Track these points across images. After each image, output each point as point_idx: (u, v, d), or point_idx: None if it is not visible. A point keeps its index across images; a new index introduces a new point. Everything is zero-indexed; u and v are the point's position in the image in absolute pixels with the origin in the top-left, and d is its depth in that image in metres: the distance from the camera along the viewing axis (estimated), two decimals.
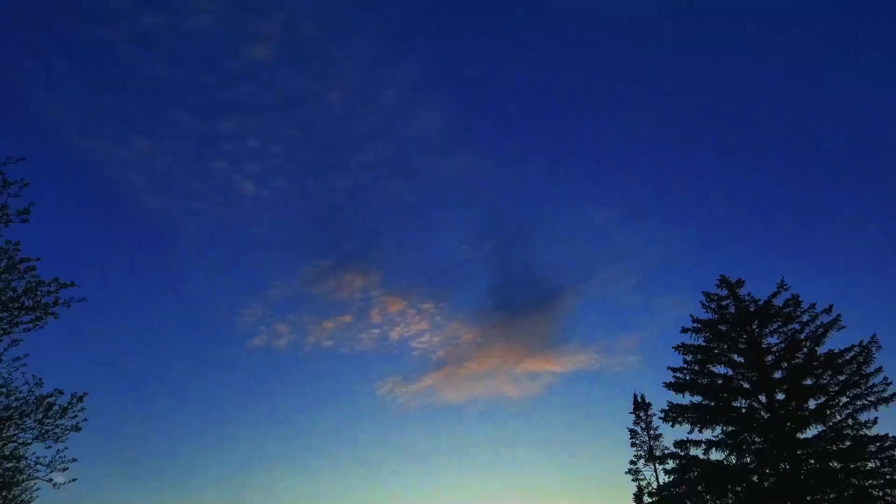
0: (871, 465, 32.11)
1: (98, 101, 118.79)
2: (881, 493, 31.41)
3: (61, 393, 20.89)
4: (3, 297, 20.46)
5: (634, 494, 46.43)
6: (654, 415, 45.56)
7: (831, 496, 32.42)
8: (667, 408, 35.82)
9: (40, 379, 20.66)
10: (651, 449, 45.45)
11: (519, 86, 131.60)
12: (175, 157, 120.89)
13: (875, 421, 32.28)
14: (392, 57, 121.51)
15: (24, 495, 21.90)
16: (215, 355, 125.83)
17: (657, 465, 44.09)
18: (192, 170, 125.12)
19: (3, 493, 21.23)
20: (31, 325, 20.54)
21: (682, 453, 35.23)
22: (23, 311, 20.58)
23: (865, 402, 32.60)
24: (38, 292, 20.59)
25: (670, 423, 35.49)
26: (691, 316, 37.12)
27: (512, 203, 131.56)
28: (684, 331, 36.85)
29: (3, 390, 20.37)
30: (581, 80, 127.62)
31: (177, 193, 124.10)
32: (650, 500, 44.37)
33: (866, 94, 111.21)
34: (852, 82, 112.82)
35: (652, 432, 46.37)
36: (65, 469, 20.84)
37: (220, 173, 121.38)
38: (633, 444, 46.75)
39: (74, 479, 21.47)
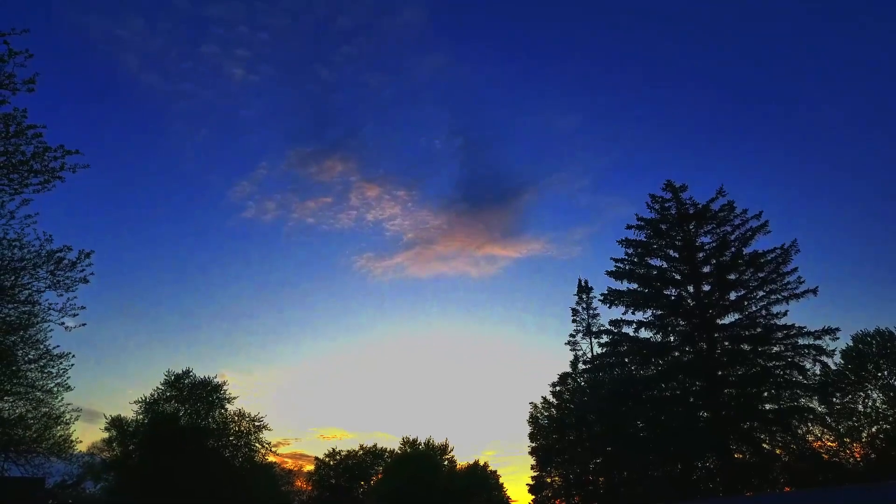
0: (776, 348, 37.18)
1: None
2: (781, 373, 36.55)
3: (70, 249, 23.38)
4: (13, 160, 22.18)
5: (571, 362, 52.04)
6: (595, 297, 50.29)
7: (739, 372, 37.62)
8: (606, 292, 39.91)
9: (50, 235, 23.07)
10: (589, 326, 50.34)
11: None
12: (168, 38, 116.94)
13: (785, 313, 37.14)
14: None
15: (39, 335, 24.69)
16: (208, 223, 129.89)
17: (593, 339, 49.21)
18: (184, 52, 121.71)
19: (21, 332, 23.96)
20: (40, 186, 22.48)
21: (616, 330, 39.84)
22: (32, 174, 22.38)
23: (779, 297, 37.14)
24: (46, 157, 22.29)
25: (608, 305, 39.85)
26: (636, 215, 40.54)
27: (483, 104, 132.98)
28: (629, 227, 40.35)
29: (17, 244, 22.78)
30: None
31: (169, 74, 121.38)
32: (584, 366, 49.73)
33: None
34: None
35: (591, 311, 51.23)
36: (75, 315, 23.67)
37: (211, 57, 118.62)
38: (574, 321, 51.77)
39: (84, 324, 24.46)
